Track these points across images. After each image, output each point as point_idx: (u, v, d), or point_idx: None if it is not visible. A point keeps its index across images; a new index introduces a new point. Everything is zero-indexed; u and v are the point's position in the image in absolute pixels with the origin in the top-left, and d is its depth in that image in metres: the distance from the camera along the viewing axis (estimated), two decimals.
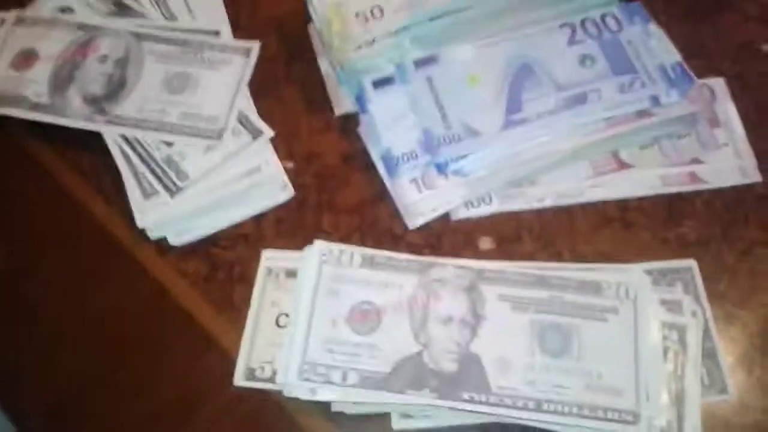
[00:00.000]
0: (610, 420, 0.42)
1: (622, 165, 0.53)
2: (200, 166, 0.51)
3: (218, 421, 0.45)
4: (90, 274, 0.50)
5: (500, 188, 0.52)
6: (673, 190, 0.52)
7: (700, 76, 0.53)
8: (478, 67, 0.53)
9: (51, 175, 0.54)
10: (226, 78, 0.55)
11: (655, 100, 0.51)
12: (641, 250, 0.50)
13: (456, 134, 0.51)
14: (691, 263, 0.49)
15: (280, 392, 0.44)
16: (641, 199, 0.52)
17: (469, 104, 0.52)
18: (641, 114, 0.52)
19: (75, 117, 0.54)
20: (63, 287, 0.49)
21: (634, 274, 0.47)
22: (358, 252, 0.48)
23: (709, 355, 0.46)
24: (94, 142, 0.53)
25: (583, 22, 0.55)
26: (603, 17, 0.55)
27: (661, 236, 0.50)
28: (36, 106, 0.54)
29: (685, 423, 0.43)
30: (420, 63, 0.53)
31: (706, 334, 0.46)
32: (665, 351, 0.45)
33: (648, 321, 0.45)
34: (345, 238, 0.51)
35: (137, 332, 0.48)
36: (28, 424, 0.45)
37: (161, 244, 0.51)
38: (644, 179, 0.52)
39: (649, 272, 0.48)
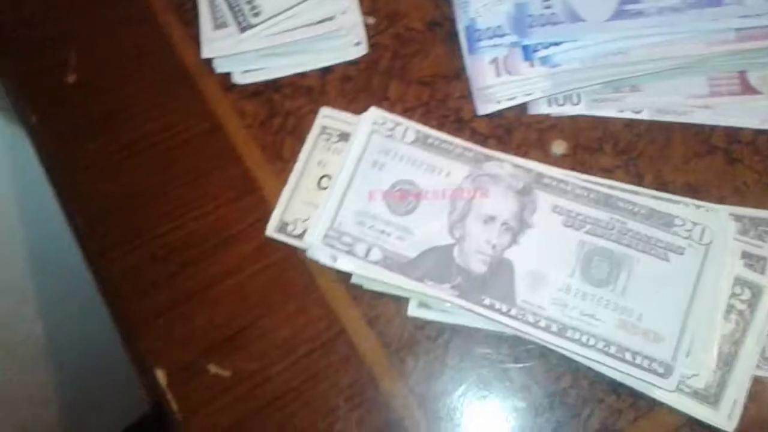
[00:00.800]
0: (638, 366, 0.38)
1: (748, 89, 0.44)
2: (276, 5, 0.48)
3: (242, 265, 0.45)
4: (152, 95, 0.50)
5: (592, 88, 0.45)
6: None
7: None
8: None
9: None
10: None
11: None
12: (738, 192, 0.43)
13: (554, 15, 0.44)
14: None
15: (306, 252, 0.44)
16: (758, 132, 0.44)
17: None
18: None
19: None
20: (126, 104, 0.50)
21: (718, 217, 0.41)
22: (413, 127, 0.44)
23: None
24: None
25: None
26: None
27: (767, 181, 0.43)
28: None
29: (726, 391, 0.39)
30: None
31: None
32: (729, 308, 0.40)
33: (717, 271, 0.39)
34: (408, 111, 0.47)
35: (186, 159, 0.48)
36: (75, 224, 0.47)
37: (225, 80, 0.49)
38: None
39: (738, 218, 0.42)
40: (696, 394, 0.39)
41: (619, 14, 0.43)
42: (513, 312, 0.40)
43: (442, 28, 0.49)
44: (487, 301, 0.40)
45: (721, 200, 0.43)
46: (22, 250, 0.70)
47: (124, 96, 0.50)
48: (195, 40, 0.50)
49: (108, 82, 0.51)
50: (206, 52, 0.48)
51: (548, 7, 0.44)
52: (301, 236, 0.44)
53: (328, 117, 0.47)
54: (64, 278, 0.74)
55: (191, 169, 0.48)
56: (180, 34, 0.51)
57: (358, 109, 0.47)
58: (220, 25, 0.48)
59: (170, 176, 0.47)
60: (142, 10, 0.52)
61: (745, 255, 0.41)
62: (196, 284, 0.45)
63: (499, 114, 0.46)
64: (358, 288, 0.43)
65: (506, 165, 0.43)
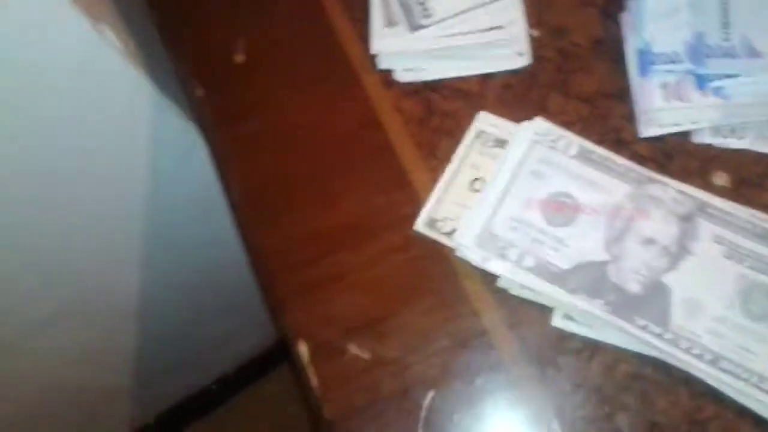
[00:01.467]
0: None
1: None
2: (447, 8, 0.50)
3: (388, 256, 0.46)
4: (315, 84, 0.52)
5: (761, 124, 0.45)
6: None
7: None
8: None
9: None
10: None
11: None
12: None
13: (732, 48, 0.44)
14: None
15: (452, 250, 0.45)
16: None
17: (762, 17, 0.44)
18: None
19: None
20: (290, 89, 0.52)
21: None
22: (577, 141, 0.45)
23: None
24: None
25: None
26: None
27: None
28: None
29: None
30: None
31: None
32: None
33: None
34: (566, 125, 0.47)
35: (343, 150, 0.49)
36: (231, 194, 0.49)
37: (387, 77, 0.51)
38: None
39: None
40: None
41: None
42: (667, 336, 0.40)
43: (608, 47, 0.49)
44: (640, 322, 0.40)
45: None
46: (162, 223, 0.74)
47: (289, 81, 0.52)
48: (361, 37, 0.52)
49: (274, 66, 0.53)
50: (375, 47, 0.50)
51: (727, 40, 0.44)
52: (449, 234, 0.45)
53: (485, 122, 0.48)
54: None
55: (348, 159, 0.49)
56: (348, 30, 0.53)
57: (516, 118, 0.47)
58: (391, 23, 0.50)
59: (327, 164, 0.49)
60: (313, 4, 0.55)
61: None
62: (342, 268, 0.46)
63: (661, 139, 0.46)
64: (502, 292, 0.44)
65: (670, 189, 0.43)
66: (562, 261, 0.42)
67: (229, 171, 0.50)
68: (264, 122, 0.51)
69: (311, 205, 0.48)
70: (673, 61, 0.45)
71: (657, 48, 0.45)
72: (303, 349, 0.44)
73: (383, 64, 0.51)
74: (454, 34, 0.50)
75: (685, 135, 0.46)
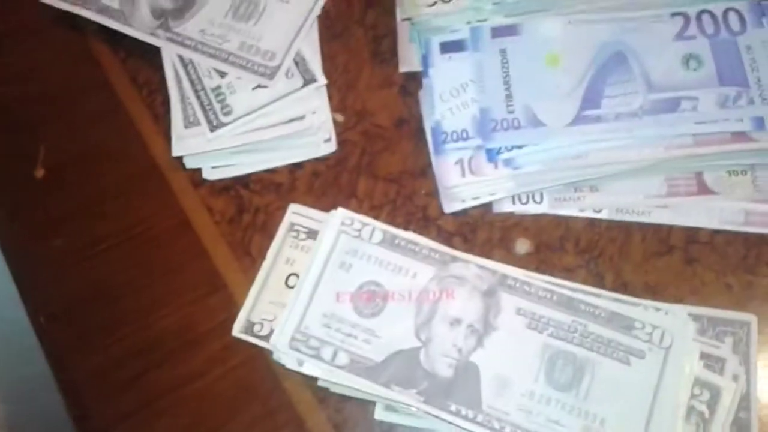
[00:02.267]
0: None
1: (704, 190, 0.46)
2: (246, 104, 0.49)
3: (209, 366, 0.45)
4: (121, 190, 0.50)
5: (554, 188, 0.46)
6: (755, 230, 0.45)
7: None
8: (563, 47, 0.47)
9: (108, 81, 0.54)
10: (294, 10, 0.52)
11: (759, 123, 0.44)
12: (696, 291, 0.44)
13: (516, 120, 0.45)
14: (751, 318, 0.42)
15: (272, 353, 0.44)
16: (715, 232, 0.45)
17: (541, 88, 0.46)
18: (738, 136, 0.44)
19: (139, 28, 0.52)
20: (95, 200, 0.50)
21: (677, 320, 0.42)
22: (380, 228, 0.45)
23: (741, 427, 0.40)
24: (155, 57, 0.52)
25: (699, 15, 0.47)
26: (726, 12, 0.46)
27: (725, 281, 0.44)
28: (105, 10, 0.53)
29: None
30: (498, 31, 0.48)
31: (743, 404, 0.41)
32: (689, 410, 0.40)
33: (677, 375, 0.40)
34: (376, 208, 0.48)
35: (153, 259, 0.48)
36: (36, 322, 0.47)
37: (195, 176, 0.50)
38: (725, 211, 0.45)
39: (697, 317, 0.43)
40: None
41: (578, 119, 0.45)
42: (479, 418, 0.40)
43: (410, 126, 0.50)
44: (453, 407, 0.40)
45: (680, 300, 0.44)
46: None
47: (93, 191, 0.50)
48: (165, 135, 0.51)
49: (77, 177, 0.51)
50: (177, 150, 0.49)
51: (511, 113, 0.45)
52: (267, 337, 0.44)
53: (296, 213, 0.48)
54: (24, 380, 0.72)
55: (159, 266, 0.48)
56: (151, 129, 0.52)
57: (327, 206, 0.47)
58: (191, 122, 0.49)
59: (137, 274, 0.47)
60: (112, 105, 0.53)
61: (704, 356, 0.41)
62: (161, 387, 0.44)
63: (464, 212, 0.47)
64: (325, 390, 0.43)
65: (471, 266, 0.43)
66: (375, 353, 0.42)
67: (34, 295, 0.48)
68: (71, 238, 0.49)
69: (126, 319, 0.46)
70: (462, 138, 0.46)
71: (447, 126, 0.47)
72: None
73: (190, 164, 0.50)
74: (257, 129, 0.49)
75: (486, 206, 0.47)
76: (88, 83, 0.54)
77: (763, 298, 0.43)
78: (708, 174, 0.46)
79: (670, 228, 0.46)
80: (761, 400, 0.41)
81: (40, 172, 0.51)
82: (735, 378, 0.41)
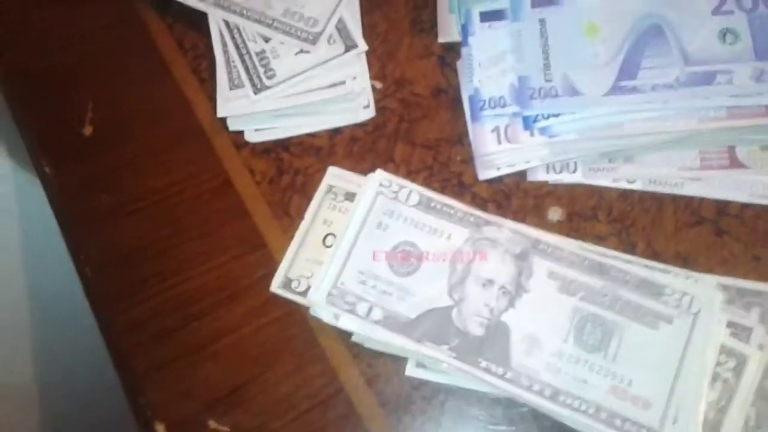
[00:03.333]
0: None
1: (736, 163, 0.46)
2: (290, 68, 0.51)
3: (248, 320, 0.46)
4: (166, 150, 0.52)
5: (588, 158, 0.47)
6: None
7: None
8: (601, 17, 0.48)
9: (155, 45, 0.56)
10: None
11: None
12: (725, 262, 0.45)
13: (554, 88, 0.46)
14: None
15: (308, 308, 0.45)
16: (745, 206, 0.46)
17: (579, 58, 0.47)
18: None
19: None
20: (140, 158, 0.52)
21: (706, 287, 0.42)
22: (417, 191, 0.46)
23: (765, 396, 0.41)
24: (202, 21, 0.54)
25: None
26: None
27: (753, 253, 0.45)
28: None
29: None
30: (537, 1, 0.49)
31: None
32: (715, 377, 0.41)
33: (704, 341, 0.41)
34: (413, 173, 0.49)
35: (196, 216, 0.49)
36: (84, 273, 0.49)
37: (238, 138, 0.52)
38: (756, 185, 0.46)
39: (725, 288, 0.43)
40: None
41: (615, 90, 0.46)
42: (508, 375, 0.41)
43: (447, 95, 0.51)
44: (483, 364, 0.41)
45: (709, 270, 0.44)
46: (23, 296, 0.71)
47: (138, 150, 0.52)
48: (210, 97, 0.53)
49: (123, 135, 0.53)
50: (221, 111, 0.50)
51: (549, 81, 0.46)
52: (304, 293, 0.46)
53: (335, 176, 0.49)
54: (64, 326, 0.75)
55: (201, 223, 0.49)
56: (195, 92, 0.54)
57: (365, 170, 0.49)
58: (236, 85, 0.51)
59: (179, 229, 0.49)
60: (160, 67, 0.55)
61: (731, 324, 0.42)
62: (199, 339, 0.46)
63: (499, 180, 0.48)
64: (358, 346, 0.45)
65: (505, 230, 0.45)
66: (409, 310, 0.43)
67: (81, 247, 0.50)
68: (117, 193, 0.51)
69: (167, 273, 0.48)
70: (500, 105, 0.47)
71: (485, 94, 0.47)
72: (159, 429, 0.43)
73: (233, 126, 0.52)
74: (298, 93, 0.51)
75: (520, 174, 0.48)
76: (136, 46, 0.56)
77: None
78: (740, 148, 0.47)
79: (702, 200, 0.47)
80: None
81: (88, 130, 0.53)
82: (761, 347, 0.41)
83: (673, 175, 0.47)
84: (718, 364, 0.41)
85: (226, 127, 0.52)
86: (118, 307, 0.47)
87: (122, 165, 0.52)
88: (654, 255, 0.45)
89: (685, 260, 0.45)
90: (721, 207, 0.46)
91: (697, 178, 0.47)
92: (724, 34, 0.46)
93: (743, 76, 0.45)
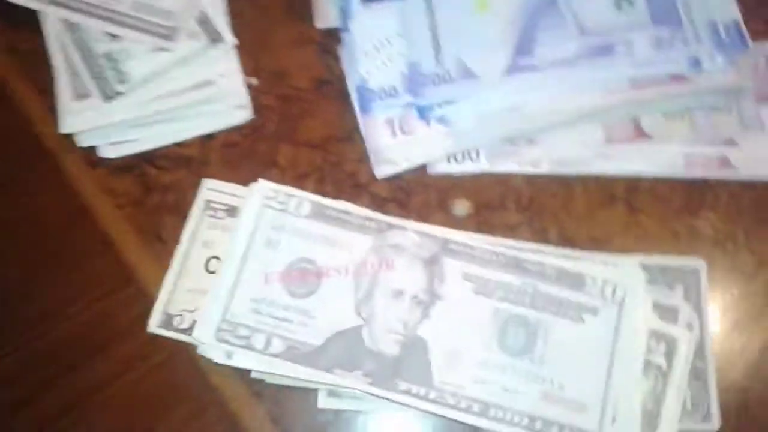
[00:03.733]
0: None
1: (642, 135, 0.44)
2: (145, 69, 0.44)
3: (126, 367, 0.40)
4: (9, 176, 0.43)
5: (491, 144, 0.44)
6: (697, 174, 0.44)
7: (757, 40, 0.44)
8: None
9: None
10: None
11: (696, 63, 0.42)
12: (643, 240, 0.42)
13: (447, 73, 0.42)
14: (700, 264, 0.41)
15: (197, 347, 0.39)
16: (656, 179, 0.44)
17: (471, 37, 0.43)
18: (675, 78, 0.43)
19: None
20: None
21: (627, 269, 0.40)
22: (308, 199, 0.41)
23: (697, 376, 0.39)
24: (37, 23, 0.45)
25: None
26: None
27: (671, 227, 0.43)
28: None
29: None
30: None
31: (699, 351, 0.39)
32: (647, 364, 0.38)
33: (632, 329, 0.38)
34: (300, 178, 0.43)
35: (50, 253, 0.42)
36: None
37: (91, 155, 0.44)
38: (664, 156, 0.44)
39: (646, 267, 0.41)
40: None
41: (512, 69, 0.42)
42: (432, 395, 0.37)
43: (332, 86, 0.46)
44: (402, 386, 0.37)
45: (627, 250, 0.42)
46: None
47: None
48: (52, 111, 0.45)
49: None
50: (65, 126, 0.43)
51: (441, 64, 0.42)
52: (189, 330, 0.39)
53: (212, 190, 0.43)
54: None
55: (54, 263, 0.42)
56: (35, 106, 0.46)
57: (246, 179, 0.42)
58: (81, 95, 0.43)
59: (33, 271, 0.41)
60: None
61: (657, 307, 0.40)
62: (73, 396, 0.39)
63: (397, 176, 0.43)
64: (259, 383, 0.39)
65: (410, 233, 0.40)
66: (313, 336, 0.38)
67: None
68: None
69: (26, 326, 0.40)
70: (391, 96, 0.42)
71: (374, 84, 0.43)
72: None
73: (84, 141, 0.44)
74: (159, 97, 0.44)
75: (421, 168, 0.44)
76: None
77: (709, 242, 0.42)
78: (645, 119, 0.44)
79: (612, 178, 0.44)
80: (715, 346, 0.40)
81: None
82: (689, 326, 0.39)
83: (579, 153, 0.44)
84: (649, 351, 0.39)
85: (75, 144, 0.44)
86: None
87: None
88: (568, 241, 0.42)
89: (600, 243, 0.42)
90: (632, 184, 0.44)
91: (604, 154, 0.44)
92: (619, 1, 0.43)
93: (642, 45, 0.43)
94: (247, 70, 0.46)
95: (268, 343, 0.38)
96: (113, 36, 0.45)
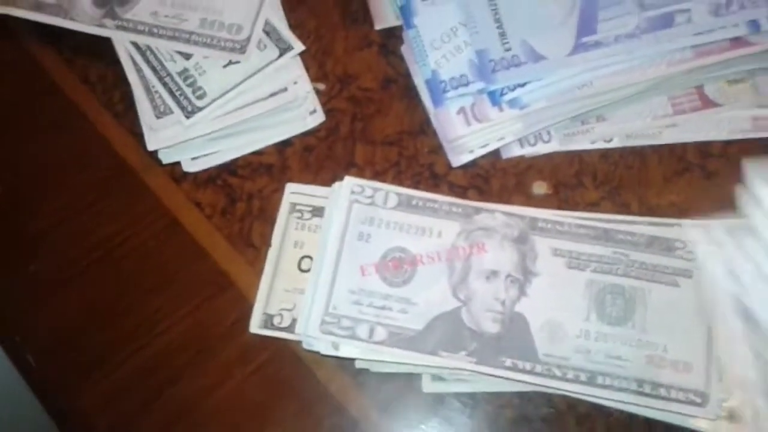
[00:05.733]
0: (674, 400, 0.37)
1: (708, 103, 0.45)
2: (220, 84, 0.45)
3: (232, 370, 0.40)
4: (95, 202, 0.45)
5: (562, 124, 0.44)
6: (765, 134, 0.44)
7: None
8: None
9: (57, 85, 0.48)
10: None
11: (755, 25, 0.43)
12: (721, 203, 0.43)
13: (515, 57, 0.43)
14: None
15: (299, 342, 0.40)
16: (727, 143, 0.44)
17: (535, 21, 0.44)
18: (736, 42, 0.43)
19: (83, 20, 0.47)
20: (66, 215, 0.45)
21: (715, 232, 0.40)
22: (394, 191, 0.42)
23: None
24: (104, 50, 0.47)
25: None
26: None
27: None
28: (39, 6, 0.48)
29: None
30: None
31: None
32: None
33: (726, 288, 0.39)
34: (379, 174, 0.45)
35: (146, 267, 0.43)
36: (24, 360, 0.41)
37: (174, 170, 0.45)
38: (732, 120, 0.45)
39: (729, 229, 0.41)
40: (732, 417, 0.37)
41: (578, 48, 0.43)
42: (538, 369, 0.37)
43: (398, 84, 0.47)
44: (508, 363, 0.38)
45: (708, 214, 0.42)
46: None
47: (62, 206, 0.45)
48: (131, 133, 0.46)
49: (40, 192, 0.45)
50: (152, 144, 0.44)
51: (509, 50, 0.43)
52: (290, 328, 0.40)
53: (295, 193, 0.44)
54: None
55: (153, 274, 0.43)
56: (114, 129, 0.47)
57: (327, 180, 0.44)
58: (162, 113, 0.44)
59: (130, 287, 0.43)
60: (65, 110, 0.48)
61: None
62: (181, 405, 0.40)
63: (473, 164, 0.44)
64: (363, 373, 0.40)
65: (497, 215, 0.41)
66: (414, 321, 0.39)
67: (15, 331, 0.42)
68: (45, 260, 0.43)
69: (126, 339, 0.42)
70: (463, 84, 0.43)
71: (444, 74, 0.44)
72: None
73: (167, 158, 0.45)
74: (237, 108, 0.45)
75: (495, 154, 0.45)
76: (35, 91, 0.49)
77: None
78: (708, 87, 0.45)
79: (684, 146, 0.45)
80: None
81: None
82: None
83: (649, 125, 0.45)
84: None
85: (158, 162, 0.45)
86: (76, 391, 0.40)
87: (46, 226, 0.44)
88: (650, 210, 0.43)
89: (682, 210, 0.43)
90: (704, 149, 0.45)
91: (673, 125, 0.45)
92: None
93: (701, 12, 0.43)
94: (313, 76, 0.48)
95: (371, 331, 0.38)
96: (185, 54, 0.46)
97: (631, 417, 0.38)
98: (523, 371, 0.37)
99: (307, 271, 0.42)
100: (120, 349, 0.41)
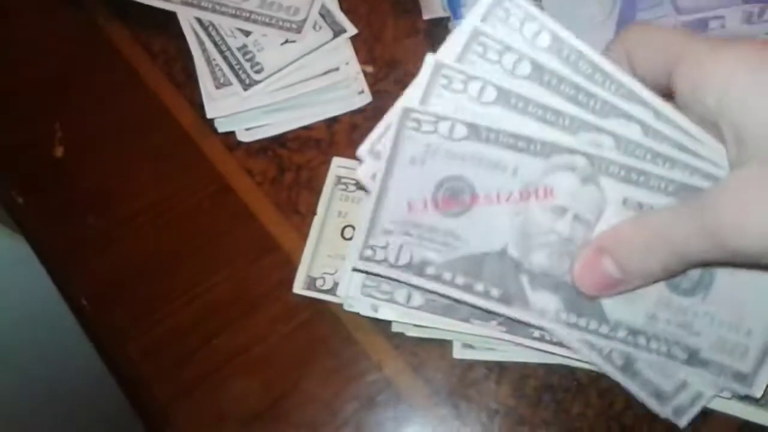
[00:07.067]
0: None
1: None
2: (277, 60, 0.48)
3: (274, 327, 0.43)
4: (153, 163, 0.48)
5: None
6: None
7: None
8: None
9: (121, 55, 0.52)
10: None
11: None
12: None
13: None
14: None
15: (339, 305, 0.42)
16: None
17: (574, 21, 0.47)
18: None
19: None
20: (123, 174, 0.47)
21: None
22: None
23: None
24: (168, 23, 0.50)
25: None
26: None
27: None
28: None
29: None
30: None
31: None
32: None
33: None
34: None
35: (198, 227, 0.46)
36: (79, 304, 0.44)
37: (229, 139, 0.48)
38: None
39: None
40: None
41: None
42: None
43: None
44: (536, 333, 0.40)
45: None
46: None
47: (121, 166, 0.48)
48: (190, 102, 0.49)
49: (100, 152, 0.48)
50: (211, 113, 0.47)
51: None
52: (331, 290, 0.43)
53: (341, 167, 0.47)
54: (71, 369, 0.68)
55: (203, 233, 0.46)
56: (173, 98, 0.50)
57: None
58: (222, 84, 0.47)
59: (181, 243, 0.45)
60: (128, 78, 0.51)
61: None
62: (224, 354, 0.42)
63: None
64: (399, 336, 0.42)
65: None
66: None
67: (71, 277, 0.45)
68: (104, 214, 0.46)
69: (176, 292, 0.44)
70: None
71: None
72: None
73: (222, 127, 0.48)
74: (291, 84, 0.48)
75: None
76: (100, 59, 0.52)
77: None
78: None
79: None
80: None
81: (59, 151, 0.48)
82: None
83: None
84: None
85: (213, 130, 0.48)
86: (126, 336, 0.43)
87: (105, 184, 0.47)
88: None
89: None
90: None
91: None
92: None
93: (734, 20, 0.46)
94: (362, 59, 0.50)
95: (409, 297, 0.41)
96: (245, 31, 0.49)
97: None
98: (550, 342, 0.40)
99: (350, 239, 0.44)
100: (169, 301, 0.44)
